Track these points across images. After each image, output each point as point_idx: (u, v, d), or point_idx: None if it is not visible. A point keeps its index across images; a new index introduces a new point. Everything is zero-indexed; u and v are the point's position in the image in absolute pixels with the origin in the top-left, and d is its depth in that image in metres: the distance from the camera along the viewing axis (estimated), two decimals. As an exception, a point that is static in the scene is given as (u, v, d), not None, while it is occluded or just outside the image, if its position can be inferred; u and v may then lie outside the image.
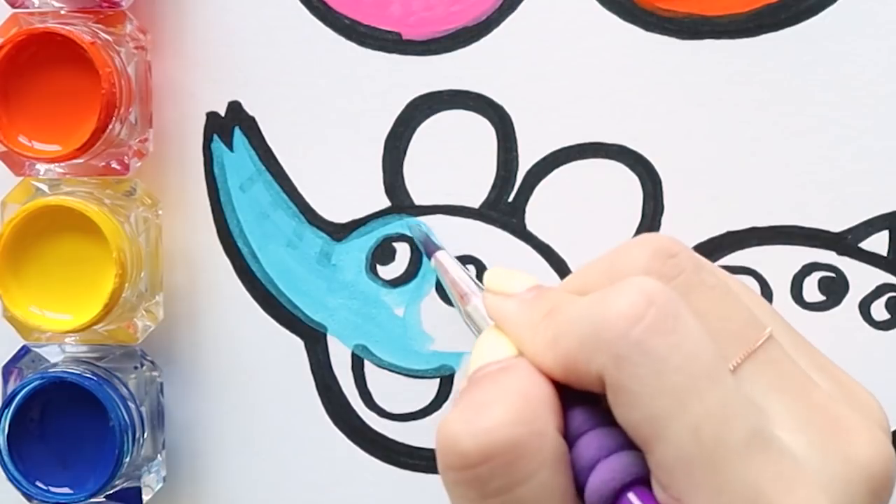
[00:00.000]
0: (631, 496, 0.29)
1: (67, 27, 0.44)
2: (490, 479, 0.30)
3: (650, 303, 0.29)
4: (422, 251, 0.47)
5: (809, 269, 0.47)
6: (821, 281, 0.47)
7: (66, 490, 0.46)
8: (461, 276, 0.41)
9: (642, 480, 0.29)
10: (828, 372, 0.34)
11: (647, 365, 0.29)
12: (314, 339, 0.48)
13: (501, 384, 0.31)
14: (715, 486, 0.28)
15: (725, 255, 0.47)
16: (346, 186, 0.48)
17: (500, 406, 0.30)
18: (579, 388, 0.31)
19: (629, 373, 0.29)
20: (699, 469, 0.28)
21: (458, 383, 0.33)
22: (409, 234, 0.47)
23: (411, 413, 0.48)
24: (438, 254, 0.44)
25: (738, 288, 0.34)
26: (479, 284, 0.39)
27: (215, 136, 0.48)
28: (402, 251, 0.48)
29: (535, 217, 0.47)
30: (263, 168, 0.48)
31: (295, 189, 0.48)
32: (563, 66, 0.47)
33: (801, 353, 0.33)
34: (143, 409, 0.47)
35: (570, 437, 0.31)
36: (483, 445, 0.29)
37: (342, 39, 0.48)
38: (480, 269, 0.47)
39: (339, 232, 0.48)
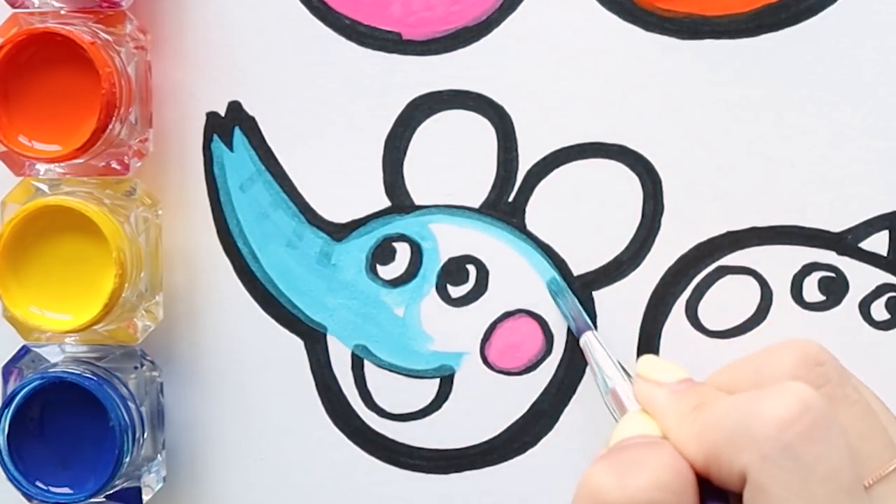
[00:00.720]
0: None
1: (67, 27, 0.44)
2: None
3: (806, 409, 0.30)
4: (569, 325, 0.47)
5: (809, 269, 0.47)
6: (821, 281, 0.47)
7: (66, 490, 0.46)
8: (608, 361, 0.43)
9: None
10: None
11: (794, 471, 0.29)
12: (314, 339, 0.48)
13: (653, 452, 0.32)
14: None
15: (725, 255, 0.47)
16: (346, 186, 0.48)
17: (651, 470, 0.31)
18: (716, 482, 0.31)
19: (774, 475, 0.29)
20: None
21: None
22: (558, 304, 0.47)
23: (411, 413, 0.48)
24: (587, 334, 0.45)
25: (878, 406, 0.35)
26: (624, 370, 0.42)
27: (215, 136, 0.48)
28: (402, 251, 0.48)
29: (535, 217, 0.47)
30: (263, 168, 0.48)
31: (295, 189, 0.48)
32: (563, 66, 0.47)
33: None
34: (143, 409, 0.47)
35: None
36: (629, 500, 0.30)
37: (342, 39, 0.48)
38: (481, 269, 0.47)
39: (339, 232, 0.48)
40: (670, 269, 0.47)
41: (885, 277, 0.46)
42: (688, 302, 0.47)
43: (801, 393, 0.30)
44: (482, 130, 0.47)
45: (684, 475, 0.31)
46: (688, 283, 0.47)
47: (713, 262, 0.47)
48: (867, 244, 0.46)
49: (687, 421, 0.33)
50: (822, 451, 0.29)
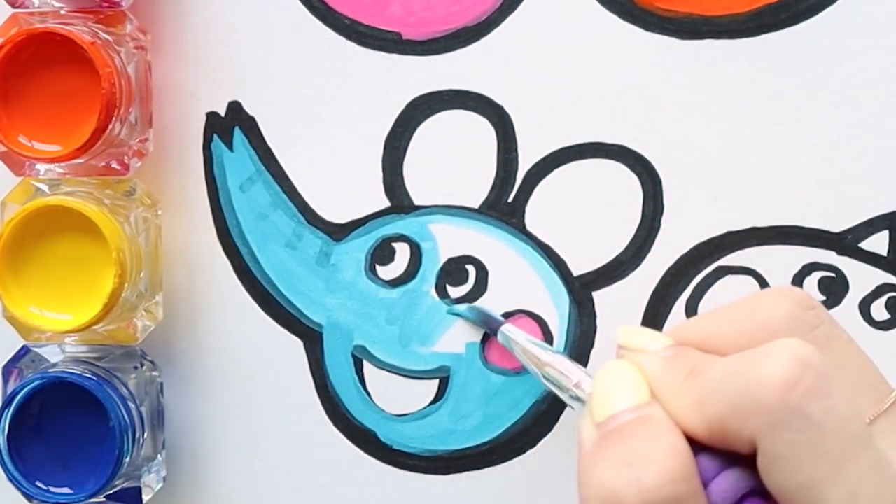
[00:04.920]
0: None
1: (67, 27, 0.44)
2: None
3: (805, 366, 0.29)
4: (487, 330, 0.47)
5: (809, 269, 0.47)
6: (821, 281, 0.47)
7: (66, 490, 0.46)
8: (533, 343, 0.44)
9: (759, 492, 0.30)
10: None
11: (806, 431, 0.29)
12: (313, 340, 0.48)
13: (654, 438, 0.31)
14: None
15: (725, 255, 0.47)
16: (345, 186, 0.48)
17: (661, 463, 0.30)
18: (723, 448, 0.31)
19: (787, 439, 0.29)
20: None
21: (584, 425, 0.33)
22: (465, 318, 0.47)
23: (410, 413, 0.48)
24: (504, 327, 0.45)
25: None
26: (549, 347, 0.43)
27: (215, 136, 0.48)
28: (402, 251, 0.48)
29: (535, 217, 0.47)
30: (263, 168, 0.48)
31: (294, 189, 0.48)
32: (563, 66, 0.47)
33: None
34: (143, 409, 0.47)
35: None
36: (648, 502, 0.30)
37: (342, 39, 0.48)
38: (480, 269, 0.47)
39: (338, 232, 0.48)
40: (670, 269, 0.47)
41: (885, 277, 0.46)
42: (688, 302, 0.47)
43: (795, 350, 0.30)
44: (482, 130, 0.47)
45: (688, 457, 0.31)
46: (688, 283, 0.47)
47: (713, 262, 0.47)
48: (867, 244, 0.46)
49: (683, 390, 0.32)
50: (829, 405, 0.29)
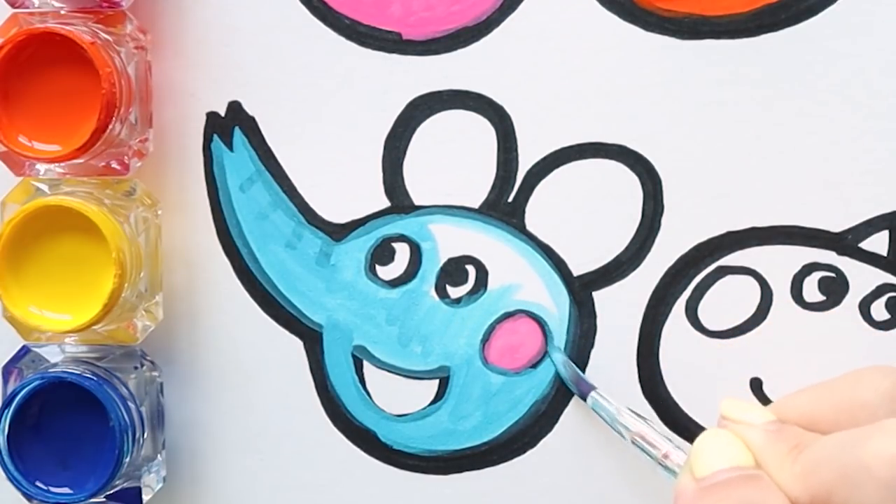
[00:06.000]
0: None
1: (67, 27, 0.44)
2: None
3: None
4: (573, 390, 0.47)
5: (809, 269, 0.47)
6: (821, 281, 0.47)
7: (66, 490, 0.46)
8: (622, 409, 0.44)
9: None
10: None
11: None
12: (313, 340, 0.48)
13: (766, 490, 0.32)
14: None
15: (725, 255, 0.47)
16: (345, 186, 0.48)
17: None
18: None
19: None
20: None
21: (683, 479, 0.34)
22: (557, 369, 0.47)
23: (410, 414, 0.48)
24: (593, 393, 0.45)
25: None
26: (638, 415, 0.43)
27: (215, 136, 0.48)
28: (402, 251, 0.48)
29: (535, 217, 0.47)
30: (263, 168, 0.48)
31: (294, 189, 0.48)
32: (563, 66, 0.47)
33: None
34: (143, 409, 0.47)
35: None
36: None
37: (342, 39, 0.48)
38: (480, 269, 0.47)
39: (338, 232, 0.48)
40: (670, 269, 0.47)
41: (885, 277, 0.46)
42: (688, 302, 0.47)
43: None
44: (482, 130, 0.47)
45: None
46: (688, 283, 0.47)
47: (713, 262, 0.47)
48: (867, 244, 0.46)
49: (787, 462, 0.33)
50: None
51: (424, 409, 0.48)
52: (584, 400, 0.46)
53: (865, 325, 0.46)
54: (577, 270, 0.47)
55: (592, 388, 0.46)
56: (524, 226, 0.47)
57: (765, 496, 0.32)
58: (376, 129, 0.48)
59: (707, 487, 0.33)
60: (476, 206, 0.47)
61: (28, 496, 0.46)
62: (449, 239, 0.47)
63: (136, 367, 0.48)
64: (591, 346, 0.47)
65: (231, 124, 0.48)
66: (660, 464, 0.41)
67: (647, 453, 0.41)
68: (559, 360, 0.47)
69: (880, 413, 0.32)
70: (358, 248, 0.48)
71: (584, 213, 0.47)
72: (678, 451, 0.40)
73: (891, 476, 0.30)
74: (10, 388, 0.47)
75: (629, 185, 0.47)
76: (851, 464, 0.31)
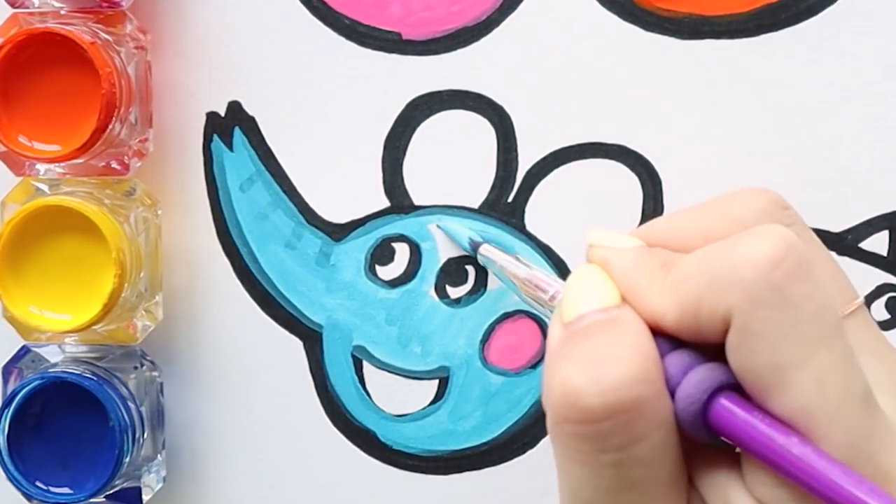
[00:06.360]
0: (723, 401, 0.29)
1: (67, 27, 0.44)
2: (610, 435, 0.29)
3: (790, 248, 0.29)
4: (467, 250, 0.47)
5: (809, 269, 0.46)
6: (821, 281, 0.46)
7: (66, 490, 0.46)
8: (510, 259, 0.43)
9: (729, 387, 0.30)
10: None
11: (784, 310, 0.29)
12: (313, 340, 0.48)
13: (620, 338, 0.31)
14: (833, 440, 0.28)
15: (725, 255, 0.47)
16: (345, 186, 0.48)
17: (625, 363, 0.30)
18: (687, 336, 0.31)
19: (765, 317, 0.29)
20: (820, 421, 0.28)
21: (553, 325, 0.32)
22: (449, 234, 0.47)
23: (410, 414, 0.48)
24: (483, 247, 0.45)
25: None
26: (527, 264, 0.42)
27: (215, 136, 0.48)
28: (402, 251, 0.48)
29: (535, 217, 0.47)
30: (263, 168, 0.48)
31: (294, 189, 0.48)
32: (563, 66, 0.47)
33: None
34: (143, 409, 0.47)
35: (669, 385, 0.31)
36: (610, 403, 0.29)
37: (342, 39, 0.48)
38: (480, 269, 0.47)
39: (338, 232, 0.48)
40: (670, 269, 0.47)
41: (885, 277, 0.46)
42: (688, 302, 0.47)
43: (784, 234, 0.29)
44: (482, 130, 0.47)
45: (654, 359, 0.30)
46: (688, 284, 0.47)
47: (713, 262, 0.47)
48: (867, 244, 0.46)
49: (657, 278, 0.31)
50: (809, 290, 0.29)
51: (424, 409, 0.48)
52: (476, 257, 0.45)
53: (865, 325, 0.46)
54: (577, 270, 0.47)
55: (480, 243, 0.45)
56: (524, 226, 0.47)
57: (619, 344, 0.30)
58: (376, 129, 0.48)
59: (568, 337, 0.31)
60: (476, 206, 0.47)
61: (28, 496, 0.46)
62: (449, 239, 0.47)
63: (136, 367, 0.48)
64: (591, 346, 0.47)
65: (231, 124, 0.48)
66: (551, 310, 0.38)
67: (540, 303, 0.39)
68: (447, 226, 0.47)
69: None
70: (358, 248, 0.48)
71: (584, 213, 0.47)
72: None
73: (757, 276, 0.29)
74: (10, 388, 0.47)
75: (629, 185, 0.47)
76: (719, 269, 0.30)
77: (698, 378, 0.30)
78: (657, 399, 0.30)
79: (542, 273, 0.40)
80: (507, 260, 0.43)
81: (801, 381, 0.28)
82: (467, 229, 0.47)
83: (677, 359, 0.30)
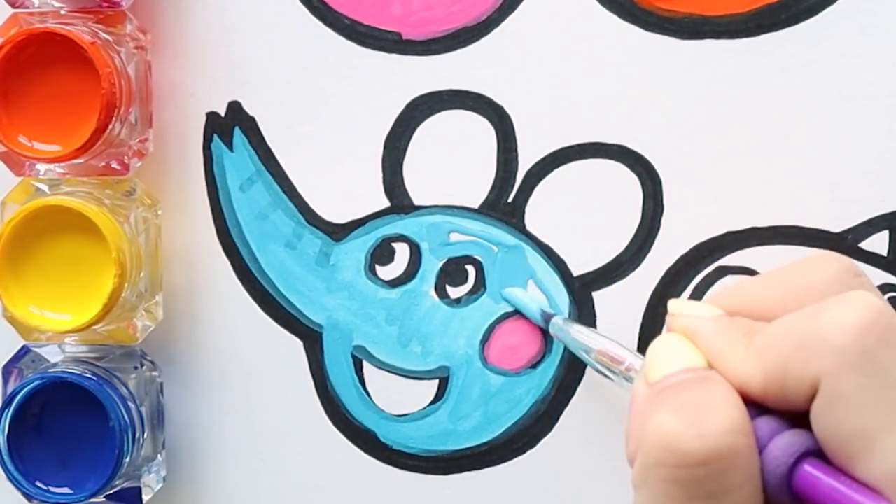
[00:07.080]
0: (808, 467, 0.30)
1: (67, 27, 0.44)
2: (705, 481, 0.30)
3: (878, 314, 0.30)
4: (536, 322, 0.47)
5: (809, 269, 0.46)
6: (821, 281, 0.46)
7: (66, 490, 0.46)
8: (585, 330, 0.43)
9: (814, 453, 0.30)
10: None
11: (873, 376, 0.29)
12: (313, 340, 0.48)
13: (714, 391, 0.31)
14: None
15: (725, 255, 0.47)
16: (345, 186, 0.48)
17: (722, 413, 0.30)
18: (773, 404, 0.31)
19: (853, 381, 0.29)
20: None
21: (637, 385, 0.33)
22: (514, 305, 0.47)
23: (410, 414, 0.48)
24: (556, 318, 0.45)
25: None
26: (600, 334, 0.42)
27: (215, 136, 0.48)
28: (402, 251, 0.48)
29: (535, 217, 0.47)
30: (263, 168, 0.48)
31: (294, 189, 0.48)
32: (563, 66, 0.47)
33: None
34: (143, 409, 0.47)
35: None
36: (708, 448, 0.30)
37: (342, 39, 0.48)
38: (480, 269, 0.47)
39: (338, 232, 0.48)
40: (670, 269, 0.47)
41: (885, 277, 0.46)
42: (688, 302, 0.47)
43: (871, 300, 0.30)
44: (482, 130, 0.47)
45: (746, 414, 0.31)
46: (688, 283, 0.47)
47: (713, 262, 0.47)
48: (867, 244, 0.46)
49: (741, 345, 0.32)
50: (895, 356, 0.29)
51: (424, 409, 0.48)
52: (547, 328, 0.45)
53: (865, 325, 0.46)
54: (576, 270, 0.47)
55: (553, 315, 0.45)
56: (524, 226, 0.47)
57: (714, 396, 0.31)
58: (376, 129, 0.48)
59: (659, 391, 0.32)
60: (476, 206, 0.47)
61: (28, 496, 0.46)
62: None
63: (136, 367, 0.48)
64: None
65: (231, 124, 0.48)
66: (625, 378, 0.39)
67: (613, 371, 0.40)
68: (515, 295, 0.47)
69: (829, 295, 0.32)
70: (358, 248, 0.48)
71: (584, 213, 0.47)
72: (640, 360, 0.39)
73: (847, 342, 0.29)
74: (10, 388, 0.47)
75: (629, 185, 0.47)
76: (807, 335, 0.30)
77: (786, 442, 0.30)
78: (751, 453, 0.30)
79: (616, 345, 0.41)
80: (580, 332, 0.43)
81: (889, 446, 0.29)
82: (536, 301, 0.47)
83: (764, 423, 0.31)
